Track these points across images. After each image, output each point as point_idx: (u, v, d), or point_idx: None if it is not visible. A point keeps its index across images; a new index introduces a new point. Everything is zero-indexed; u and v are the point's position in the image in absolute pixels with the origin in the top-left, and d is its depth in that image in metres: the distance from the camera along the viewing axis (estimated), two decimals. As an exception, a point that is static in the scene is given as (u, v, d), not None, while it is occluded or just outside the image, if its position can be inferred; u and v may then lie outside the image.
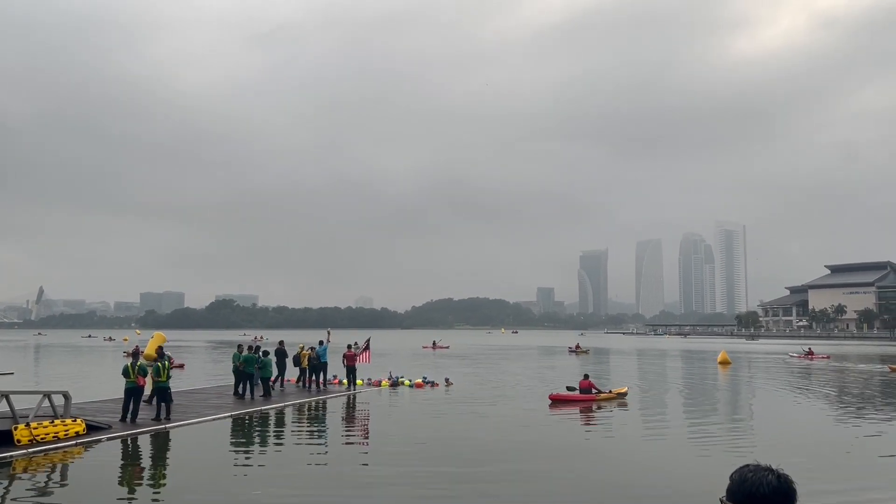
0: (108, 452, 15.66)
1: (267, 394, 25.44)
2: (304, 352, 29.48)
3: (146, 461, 15.27)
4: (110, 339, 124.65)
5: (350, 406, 25.13)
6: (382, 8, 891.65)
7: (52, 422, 16.36)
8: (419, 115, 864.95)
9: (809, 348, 67.11)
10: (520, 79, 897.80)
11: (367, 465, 14.68)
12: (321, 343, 29.59)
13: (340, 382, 30.88)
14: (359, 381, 30.52)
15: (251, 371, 25.13)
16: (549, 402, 25.38)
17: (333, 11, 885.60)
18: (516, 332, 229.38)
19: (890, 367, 44.95)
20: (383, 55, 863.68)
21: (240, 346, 26.67)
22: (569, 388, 27.44)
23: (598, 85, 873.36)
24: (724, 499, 2.52)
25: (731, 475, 2.54)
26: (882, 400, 28.43)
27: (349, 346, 30.16)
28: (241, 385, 25.20)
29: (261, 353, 26.55)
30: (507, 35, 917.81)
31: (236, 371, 25.44)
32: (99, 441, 16.48)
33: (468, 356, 65.04)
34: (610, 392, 27.08)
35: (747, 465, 2.54)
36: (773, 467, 2.50)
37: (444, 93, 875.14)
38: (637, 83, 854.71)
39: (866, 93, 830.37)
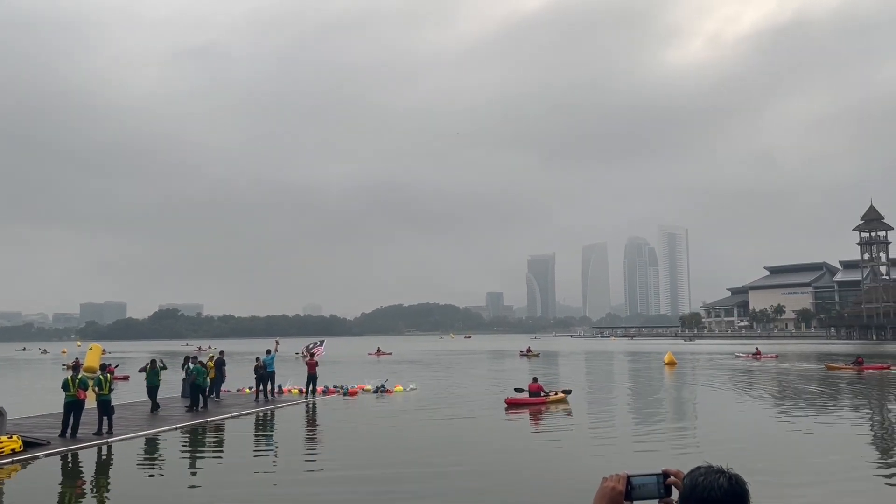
0: (47, 469, 15.07)
1: (204, 405, 24.50)
2: (210, 363, 28.68)
3: (87, 477, 14.71)
4: (44, 351, 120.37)
5: (303, 416, 24.79)
6: (320, 18, 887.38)
7: (-14, 439, 15.67)
8: (357, 123, 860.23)
9: (757, 348, 68.53)
10: (459, 87, 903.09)
11: (314, 472, 14.45)
12: (268, 352, 29.15)
13: (290, 392, 30.50)
14: (295, 390, 30.25)
15: (200, 383, 24.31)
16: (506, 405, 25.61)
17: (272, 20, 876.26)
18: (469, 337, 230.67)
19: (826, 366, 46.52)
20: (321, 65, 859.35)
21: (153, 362, 25.25)
22: (517, 390, 27.67)
23: (538, 93, 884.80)
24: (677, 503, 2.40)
25: (683, 479, 2.39)
26: (824, 396, 29.36)
27: (311, 355, 30.15)
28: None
29: (190, 363, 25.70)
30: (445, 45, 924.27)
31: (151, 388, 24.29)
32: (37, 458, 15.84)
33: (421, 362, 64.84)
34: (556, 393, 27.51)
35: (698, 468, 2.39)
36: (724, 468, 2.36)
37: (382, 102, 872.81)
38: (576, 92, 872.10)
39: (791, 102, 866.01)
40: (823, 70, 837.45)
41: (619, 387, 35.85)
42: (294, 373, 33.05)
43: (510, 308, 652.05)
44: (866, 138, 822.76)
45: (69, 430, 18.01)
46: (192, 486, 13.48)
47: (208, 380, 25.67)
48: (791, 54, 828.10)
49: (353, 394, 30.86)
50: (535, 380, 28.14)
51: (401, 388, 32.41)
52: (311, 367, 29.47)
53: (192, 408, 23.94)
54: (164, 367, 25.51)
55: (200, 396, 24.40)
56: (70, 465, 15.72)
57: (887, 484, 13.21)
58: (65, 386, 18.41)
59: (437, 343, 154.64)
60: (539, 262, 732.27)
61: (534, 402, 26.10)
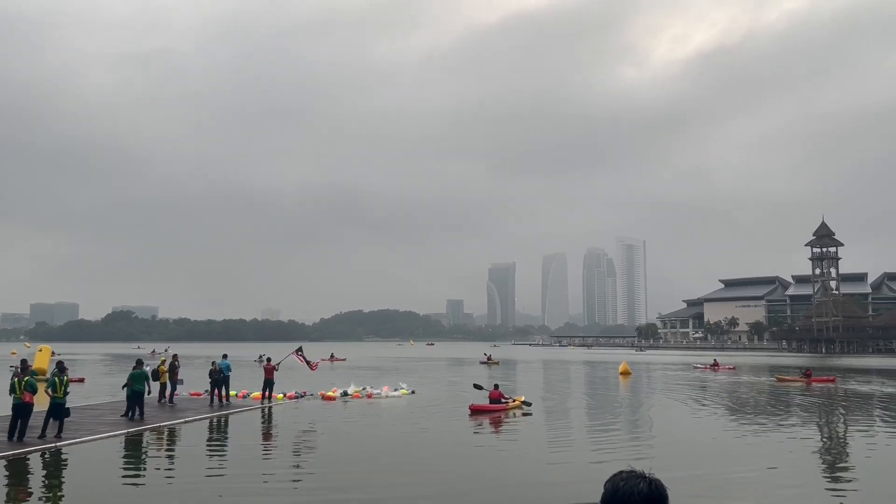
0: (-9, 474, 14.58)
1: (140, 414, 22.67)
2: (162, 367, 27.85)
3: (34, 483, 14.27)
4: None
5: (258, 421, 24.46)
6: (277, 24, 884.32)
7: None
8: (314, 129, 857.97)
9: (715, 360, 69.20)
10: (416, 96, 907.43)
11: (266, 481, 14.26)
12: (224, 356, 28.92)
13: (245, 397, 30.16)
14: (252, 395, 30.01)
15: (140, 389, 22.83)
16: (469, 412, 25.84)
17: (229, 25, 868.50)
18: (432, 345, 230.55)
19: (777, 378, 47.53)
20: (278, 70, 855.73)
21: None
22: (476, 386, 31.68)
23: (495, 103, 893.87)
24: None
25: (605, 484, 2.47)
26: (771, 408, 30.01)
27: (268, 359, 29.78)
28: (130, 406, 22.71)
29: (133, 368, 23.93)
30: (403, 54, 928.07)
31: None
32: (-20, 462, 15.32)
33: (380, 368, 64.49)
34: (514, 401, 27.84)
35: (620, 473, 2.47)
36: (646, 474, 2.44)
37: (340, 108, 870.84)
38: (532, 103, 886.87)
39: (740, 119, 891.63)
40: (771, 89, 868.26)
41: (576, 395, 36.15)
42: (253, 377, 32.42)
43: (470, 316, 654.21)
44: (815, 156, 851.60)
45: (16, 434, 17.51)
46: (139, 493, 13.17)
47: (147, 385, 23.79)
48: (740, 73, 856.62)
49: (291, 397, 30.69)
50: (496, 387, 28.43)
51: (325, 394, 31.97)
52: (269, 372, 29.13)
53: (128, 415, 22.38)
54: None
55: (137, 405, 22.63)
56: (16, 470, 15.23)
57: (826, 489, 13.53)
58: (11, 389, 17.90)
59: (396, 350, 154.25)
60: (499, 270, 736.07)
61: (495, 408, 26.47)
